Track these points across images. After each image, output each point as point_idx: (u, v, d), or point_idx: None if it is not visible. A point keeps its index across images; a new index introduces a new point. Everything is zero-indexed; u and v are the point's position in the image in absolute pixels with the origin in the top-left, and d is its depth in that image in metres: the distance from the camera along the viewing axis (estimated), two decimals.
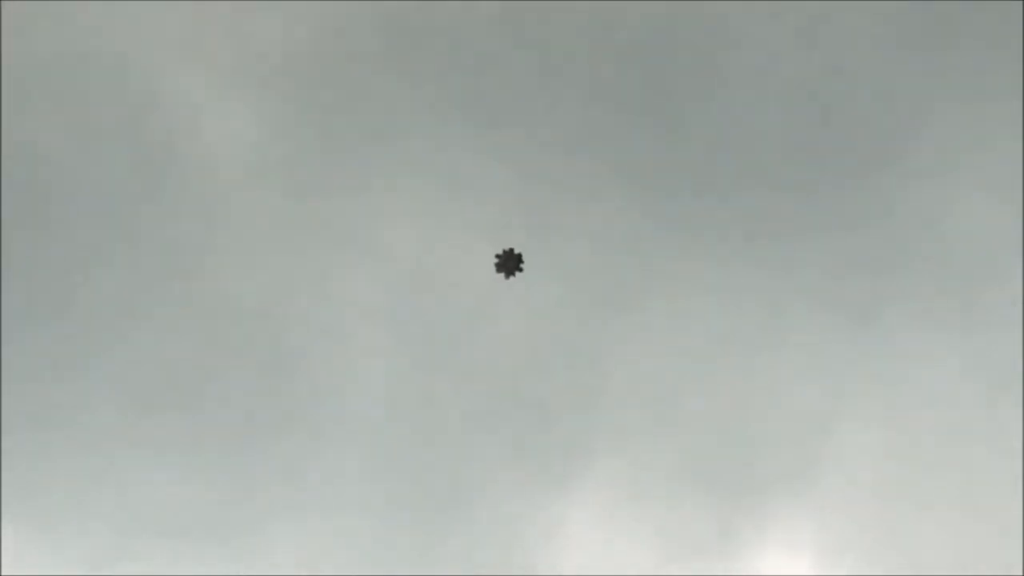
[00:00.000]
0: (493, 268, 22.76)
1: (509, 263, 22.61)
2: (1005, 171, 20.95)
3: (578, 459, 20.42)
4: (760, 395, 20.62)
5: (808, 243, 20.95)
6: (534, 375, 21.06)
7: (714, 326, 20.81)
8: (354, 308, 20.79)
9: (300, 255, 20.90)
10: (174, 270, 20.63)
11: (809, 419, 20.88)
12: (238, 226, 20.99)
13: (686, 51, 20.87)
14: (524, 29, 21.42)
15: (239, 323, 20.87)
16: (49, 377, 20.05)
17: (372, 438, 20.31)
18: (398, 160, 21.40)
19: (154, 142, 20.86)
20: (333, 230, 21.05)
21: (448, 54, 21.67)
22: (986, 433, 20.49)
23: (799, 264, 20.79)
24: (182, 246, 20.84)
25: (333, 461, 20.24)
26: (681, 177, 21.09)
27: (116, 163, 20.74)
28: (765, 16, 21.23)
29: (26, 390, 19.81)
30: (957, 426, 20.58)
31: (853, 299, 21.03)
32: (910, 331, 20.81)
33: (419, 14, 21.71)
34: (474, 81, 21.61)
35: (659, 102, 21.40)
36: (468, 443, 20.61)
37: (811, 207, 21.03)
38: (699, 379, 20.84)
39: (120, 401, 20.37)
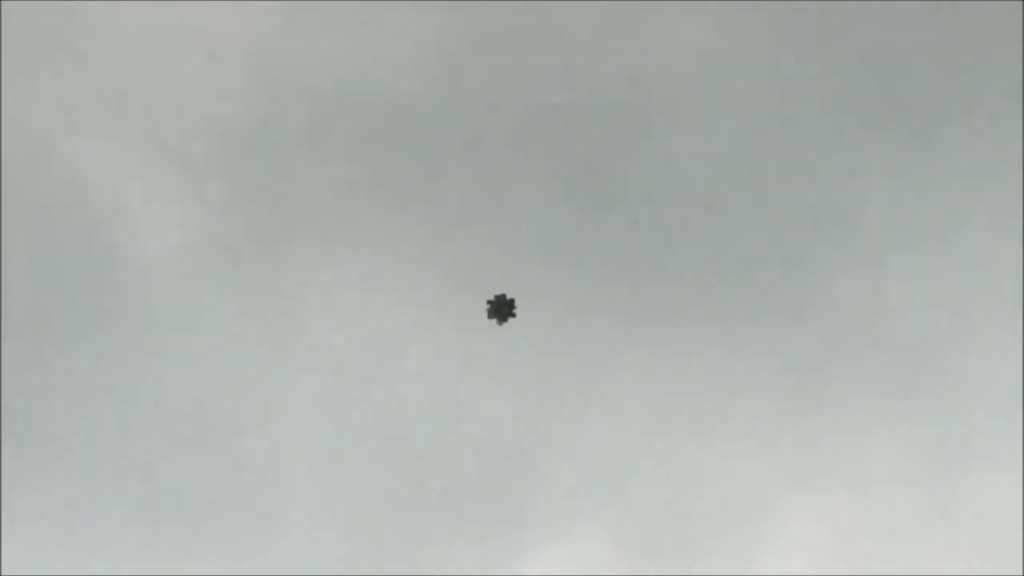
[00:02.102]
0: (484, 316, 21.85)
1: (501, 309, 21.70)
2: (942, 256, 20.57)
3: (526, 544, 19.53)
4: (706, 475, 19.91)
5: (754, 328, 20.58)
6: (478, 463, 20.60)
7: (660, 408, 20.26)
8: (293, 403, 20.44)
9: (237, 353, 20.50)
10: (112, 372, 20.36)
11: (755, 497, 20.12)
12: (175, 326, 20.71)
13: (628, 131, 20.72)
14: (460, 113, 21.24)
15: (180, 422, 20.45)
16: None
17: (314, 529, 19.70)
18: (330, 249, 21.20)
19: (86, 239, 20.89)
20: (269, 325, 20.94)
21: (380, 138, 21.56)
22: (931, 503, 19.72)
23: (745, 348, 20.39)
24: (119, 347, 20.54)
25: (274, 554, 19.53)
26: (627, 263, 20.81)
27: (48, 263, 20.67)
28: (710, 103, 21.03)
29: None
30: (904, 500, 19.79)
31: (798, 382, 20.51)
32: (854, 410, 20.23)
33: (344, 97, 21.53)
34: (414, 168, 21.48)
35: (600, 184, 21.20)
36: (411, 533, 19.99)
37: (757, 293, 20.64)
38: (646, 460, 20.24)
39: (61, 507, 20.07)
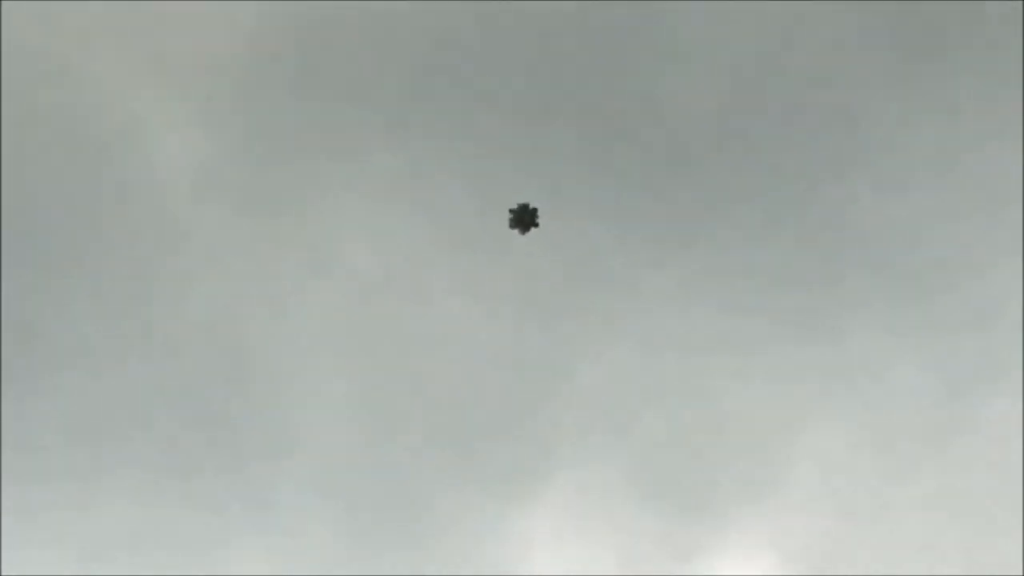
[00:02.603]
0: (508, 223, 21.69)
1: (524, 218, 21.57)
2: (969, 182, 21.23)
3: (538, 473, 19.93)
4: (720, 402, 20.48)
5: (767, 252, 20.97)
6: (493, 388, 20.73)
7: (674, 334, 20.58)
8: (310, 323, 20.30)
9: (253, 272, 20.29)
10: (129, 291, 20.25)
11: (772, 425, 20.81)
12: (191, 244, 20.65)
13: (642, 50, 20.75)
14: (480, 42, 21.07)
15: (197, 342, 20.16)
16: (13, 400, 19.48)
17: (331, 452, 19.80)
18: (350, 172, 20.91)
19: (101, 158, 20.56)
20: (285, 245, 20.60)
21: (398, 67, 21.25)
22: (950, 431, 20.59)
23: (758, 273, 20.77)
24: (136, 266, 20.45)
25: (293, 477, 19.61)
26: (641, 189, 20.93)
27: (64, 182, 20.33)
28: (730, 14, 21.23)
29: None
30: (920, 426, 20.65)
31: (811, 306, 21.12)
32: (869, 337, 20.90)
33: (369, 24, 21.17)
34: (428, 94, 21.29)
35: (618, 106, 21.27)
36: (428, 456, 20.11)
37: (770, 216, 21.03)
38: (659, 389, 20.59)
39: (79, 426, 19.79)
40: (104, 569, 19.34)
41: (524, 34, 21.25)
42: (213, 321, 20.11)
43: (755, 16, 21.96)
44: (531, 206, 21.88)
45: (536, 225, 21.94)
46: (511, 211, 21.73)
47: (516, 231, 21.94)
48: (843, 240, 21.29)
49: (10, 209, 19.58)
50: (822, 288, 20.94)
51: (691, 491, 20.69)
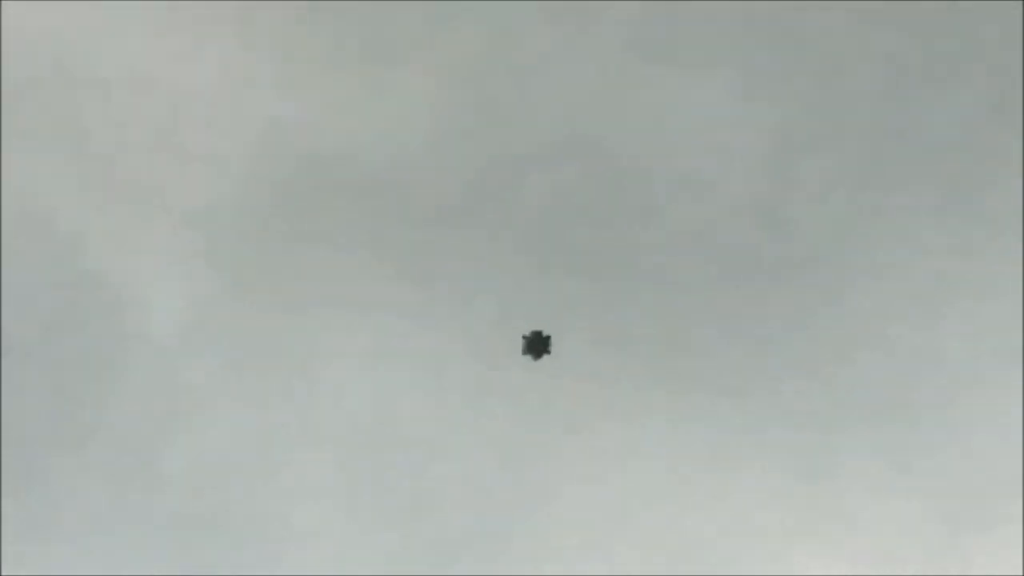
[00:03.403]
0: (521, 349, 20.29)
1: (536, 345, 20.23)
2: (967, 321, 21.64)
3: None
4: (708, 532, 21.35)
5: (762, 390, 21.19)
6: (486, 512, 21.06)
7: (664, 472, 20.94)
8: (302, 479, 19.76)
9: (245, 427, 19.87)
10: (121, 447, 19.64)
11: (762, 555, 22.04)
12: (182, 399, 19.89)
13: (624, 170, 19.92)
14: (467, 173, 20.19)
15: (184, 498, 19.74)
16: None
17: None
18: (338, 320, 20.23)
19: (85, 310, 19.84)
20: (275, 395, 20.00)
21: (385, 205, 20.32)
22: (949, 566, 22.21)
23: (750, 399, 21.11)
24: (122, 427, 19.88)
25: None
26: (632, 328, 20.55)
27: (49, 335, 19.89)
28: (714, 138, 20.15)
29: None
30: (917, 561, 22.20)
31: (809, 444, 21.69)
32: (867, 474, 21.78)
33: (346, 164, 20.28)
34: (419, 234, 20.48)
35: (598, 231, 20.59)
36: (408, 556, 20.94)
37: (764, 343, 21.07)
38: (650, 523, 21.20)
39: None
40: None
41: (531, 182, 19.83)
42: (201, 475, 19.59)
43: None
44: (544, 334, 20.46)
45: (548, 352, 20.56)
46: (524, 337, 20.26)
47: (529, 357, 20.64)
48: (840, 368, 21.41)
49: None
50: (817, 418, 21.25)
51: None
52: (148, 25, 21.33)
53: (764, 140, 20.04)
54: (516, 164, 21.60)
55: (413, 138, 21.87)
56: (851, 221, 21.46)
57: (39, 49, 21.19)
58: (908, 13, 21.37)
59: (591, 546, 20.69)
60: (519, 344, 21.50)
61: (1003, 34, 21.03)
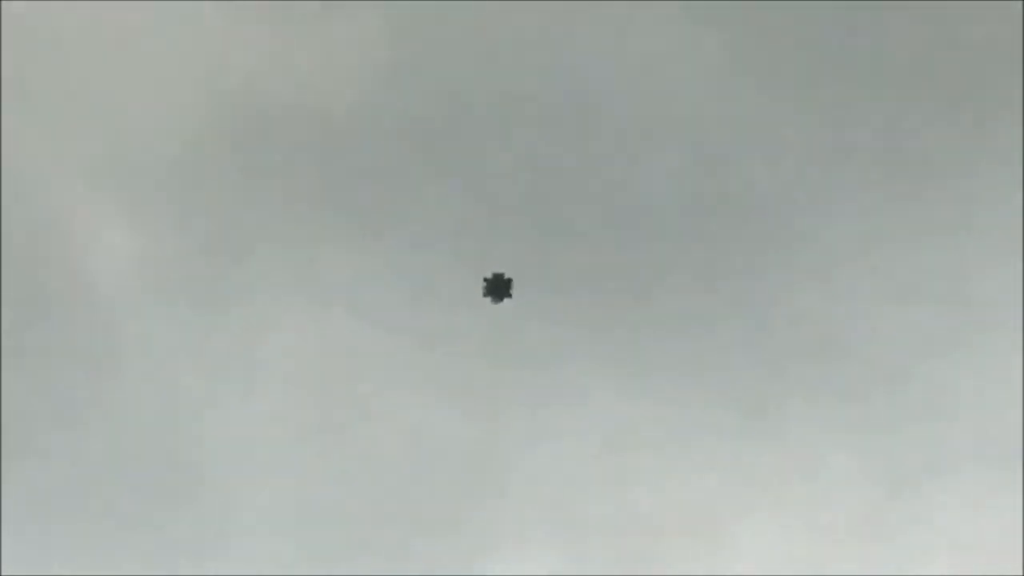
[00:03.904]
0: (481, 292, 22.03)
1: (498, 287, 21.81)
2: (906, 268, 20.35)
3: (476, 569, 19.94)
4: (661, 493, 20.04)
5: (702, 337, 20.51)
6: (431, 480, 20.72)
7: (612, 424, 20.31)
8: (245, 421, 20.60)
9: (191, 374, 20.42)
10: (66, 397, 20.43)
11: (705, 515, 20.32)
12: (125, 346, 20.72)
13: (571, 142, 20.73)
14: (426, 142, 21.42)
15: (136, 446, 20.34)
16: None
17: (263, 553, 20.00)
18: (288, 269, 21.26)
19: (30, 256, 20.89)
20: (224, 342, 20.92)
21: (331, 148, 21.70)
22: (885, 527, 19.75)
23: (693, 359, 20.31)
24: (72, 367, 20.61)
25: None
26: (574, 268, 20.80)
27: None
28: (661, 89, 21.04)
29: None
30: (860, 521, 19.86)
31: (748, 394, 20.48)
32: (805, 427, 20.16)
33: (293, 105, 21.27)
34: (367, 178, 21.61)
35: (560, 200, 21.27)
36: (366, 553, 20.34)
37: (705, 300, 20.61)
38: (598, 477, 20.33)
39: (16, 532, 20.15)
40: None
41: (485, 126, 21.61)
42: (148, 419, 20.72)
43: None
44: (505, 276, 22.10)
45: (510, 296, 22.16)
46: (485, 280, 21.99)
47: (489, 300, 22.20)
48: (784, 332, 20.80)
49: None
50: (762, 380, 20.52)
51: None
52: None
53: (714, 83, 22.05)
54: (467, 111, 23.30)
55: (365, 89, 23.34)
56: (801, 170, 21.82)
57: None
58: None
59: (547, 493, 20.60)
60: (479, 287, 22.27)
61: None
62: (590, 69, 21.79)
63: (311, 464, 20.40)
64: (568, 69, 21.71)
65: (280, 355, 20.60)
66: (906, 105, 21.60)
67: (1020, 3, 21.67)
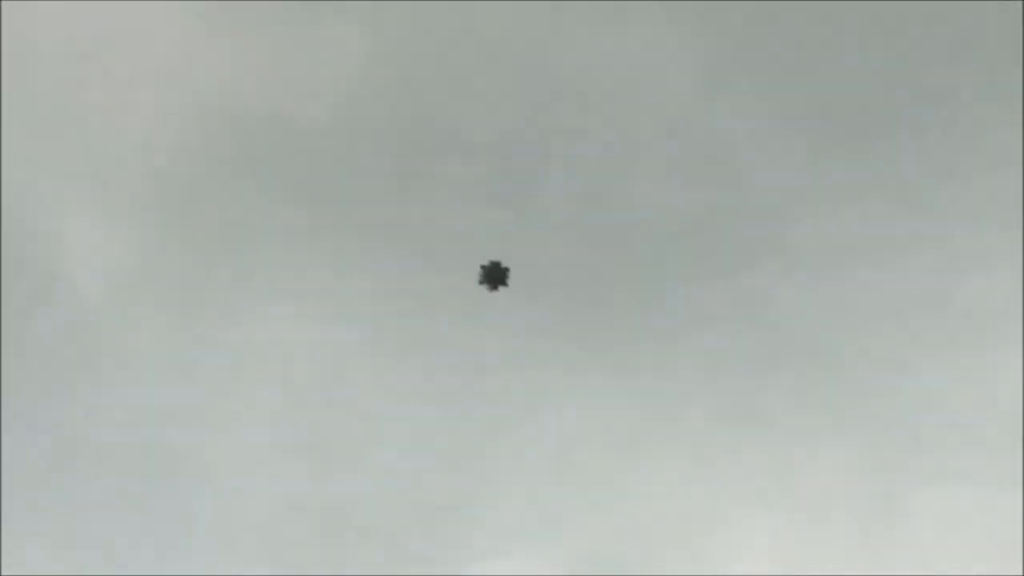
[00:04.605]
0: (477, 279, 21.95)
1: (494, 275, 21.73)
2: (890, 275, 20.54)
3: (466, 567, 19.92)
4: (648, 497, 20.15)
5: (690, 341, 20.56)
6: (421, 490, 20.66)
7: (598, 429, 20.36)
8: (233, 427, 20.41)
9: (179, 378, 20.31)
10: (53, 402, 20.31)
11: (695, 514, 20.44)
12: (115, 351, 20.60)
13: (557, 151, 20.60)
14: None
15: (116, 447, 20.16)
16: None
17: (251, 558, 19.87)
18: (272, 275, 20.97)
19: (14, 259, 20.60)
20: (205, 350, 20.52)
21: (313, 159, 21.41)
22: (876, 524, 20.02)
23: (682, 362, 20.37)
24: (60, 374, 20.48)
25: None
26: (562, 277, 20.75)
27: None
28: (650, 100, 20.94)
29: None
30: (846, 517, 20.12)
31: (736, 394, 20.62)
32: (793, 424, 20.37)
33: (276, 116, 21.21)
34: (348, 187, 21.36)
35: (533, 198, 21.13)
36: (358, 558, 20.19)
37: (692, 304, 20.64)
38: (585, 483, 20.44)
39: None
40: None
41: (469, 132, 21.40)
42: (134, 425, 20.23)
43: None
44: (503, 265, 22.03)
45: (505, 284, 22.10)
46: (482, 267, 21.92)
47: (485, 287, 22.13)
48: (772, 331, 20.95)
49: None
50: (750, 379, 20.69)
51: None
52: None
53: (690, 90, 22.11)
54: (450, 119, 23.12)
55: (344, 94, 23.18)
56: (787, 177, 21.91)
57: None
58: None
59: (530, 496, 20.65)
60: (474, 276, 22.24)
61: None
62: (575, 75, 21.67)
63: (297, 469, 20.33)
64: (553, 74, 21.55)
65: (264, 363, 20.49)
66: (901, 107, 21.61)
67: (1020, 3, 21.59)
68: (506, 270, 21.85)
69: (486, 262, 21.69)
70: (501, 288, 21.99)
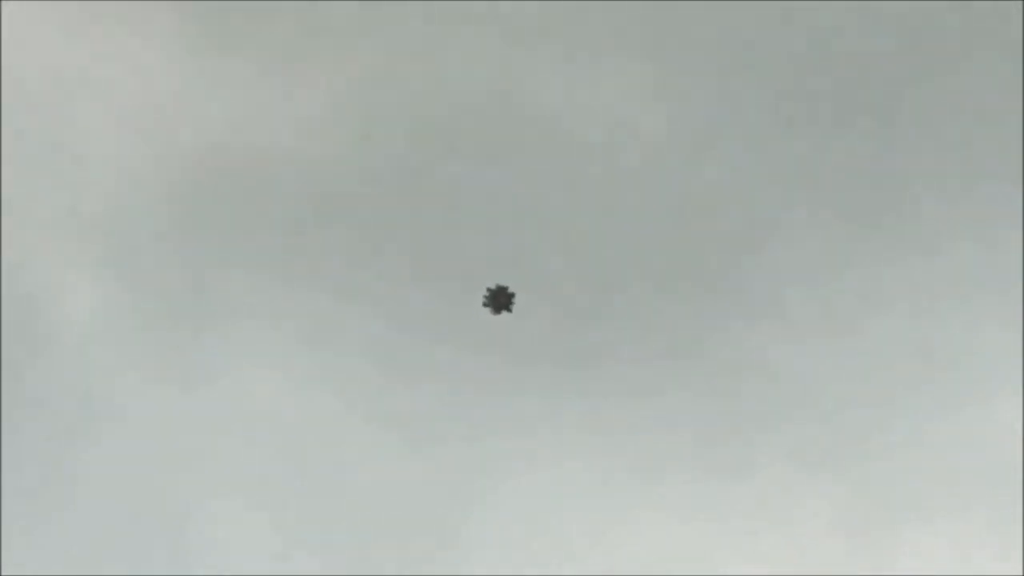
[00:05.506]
0: (481, 304, 22.26)
1: (499, 299, 22.06)
2: (867, 331, 20.06)
3: None
4: (632, 551, 20.09)
5: (681, 401, 20.33)
6: (402, 523, 20.73)
7: (582, 484, 20.32)
8: (214, 473, 20.67)
9: (158, 429, 20.33)
10: (29, 451, 20.41)
11: (683, 567, 20.34)
12: (92, 402, 20.69)
13: (536, 188, 20.47)
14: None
15: (114, 503, 20.33)
16: None
17: None
18: (263, 320, 21.25)
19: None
20: (193, 395, 20.42)
21: (298, 200, 21.25)
22: (862, 566, 19.68)
23: (673, 421, 20.17)
24: (37, 425, 20.58)
25: None
26: (556, 329, 20.66)
27: None
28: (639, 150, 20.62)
29: None
30: (831, 562, 19.78)
31: (726, 453, 20.39)
32: (780, 480, 20.04)
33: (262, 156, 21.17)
34: (332, 230, 21.46)
35: (507, 232, 21.10)
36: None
37: (684, 364, 20.41)
38: (568, 536, 20.37)
39: None
40: None
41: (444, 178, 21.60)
42: (115, 474, 20.17)
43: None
44: (509, 290, 22.34)
45: (509, 310, 22.36)
46: (488, 290, 21.83)
47: (489, 310, 22.39)
48: (752, 377, 20.83)
49: None
50: (729, 424, 20.63)
51: None
52: (51, 24, 20.65)
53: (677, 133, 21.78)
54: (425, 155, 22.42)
55: (321, 136, 20.87)
56: (766, 228, 21.32)
57: None
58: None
59: (517, 545, 20.56)
60: (480, 305, 21.95)
61: None
62: (549, 101, 21.69)
63: (290, 513, 20.60)
64: (527, 99, 21.60)
65: (256, 409, 20.83)
66: (895, 181, 21.26)
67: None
68: (511, 296, 22.18)
69: (493, 285, 22.06)
70: (504, 313, 22.45)
